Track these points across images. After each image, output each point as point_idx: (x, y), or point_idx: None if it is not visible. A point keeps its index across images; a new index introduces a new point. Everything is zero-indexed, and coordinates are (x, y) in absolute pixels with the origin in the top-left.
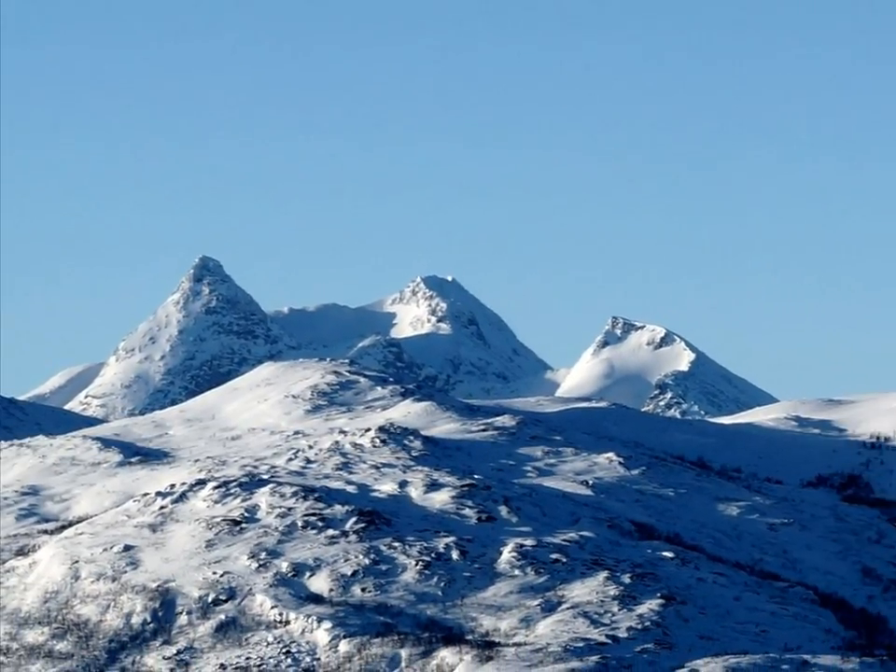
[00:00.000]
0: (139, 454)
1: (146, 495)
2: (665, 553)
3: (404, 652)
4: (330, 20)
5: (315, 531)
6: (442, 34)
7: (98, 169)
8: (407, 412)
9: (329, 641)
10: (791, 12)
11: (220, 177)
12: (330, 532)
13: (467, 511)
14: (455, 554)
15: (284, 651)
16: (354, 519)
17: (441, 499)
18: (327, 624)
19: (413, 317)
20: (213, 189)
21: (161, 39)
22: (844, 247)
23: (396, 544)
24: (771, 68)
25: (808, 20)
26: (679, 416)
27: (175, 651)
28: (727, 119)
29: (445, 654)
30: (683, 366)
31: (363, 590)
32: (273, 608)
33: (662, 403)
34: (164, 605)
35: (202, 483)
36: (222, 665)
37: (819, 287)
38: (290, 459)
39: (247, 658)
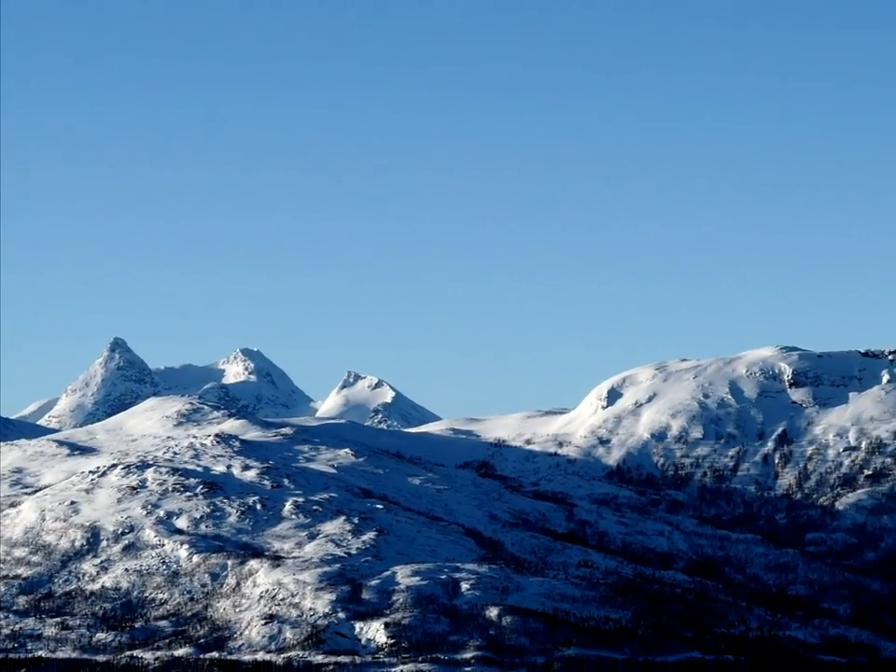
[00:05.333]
0: (79, 449)
1: (82, 472)
2: (378, 506)
3: (230, 562)
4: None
5: (178, 493)
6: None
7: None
8: (231, 425)
9: (187, 556)
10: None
11: (127, 277)
12: (187, 493)
13: (265, 482)
14: (258, 506)
15: (161, 561)
16: (200, 486)
17: (250, 475)
18: (186, 546)
19: (235, 372)
20: (122, 286)
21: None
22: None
23: (224, 500)
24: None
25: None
26: (386, 428)
27: (99, 561)
28: None
29: (252, 563)
30: (388, 399)
31: (206, 527)
32: (155, 536)
33: (376, 421)
34: (93, 535)
35: (114, 465)
36: (126, 569)
37: (465, 349)
38: (165, 452)
39: (140, 565)
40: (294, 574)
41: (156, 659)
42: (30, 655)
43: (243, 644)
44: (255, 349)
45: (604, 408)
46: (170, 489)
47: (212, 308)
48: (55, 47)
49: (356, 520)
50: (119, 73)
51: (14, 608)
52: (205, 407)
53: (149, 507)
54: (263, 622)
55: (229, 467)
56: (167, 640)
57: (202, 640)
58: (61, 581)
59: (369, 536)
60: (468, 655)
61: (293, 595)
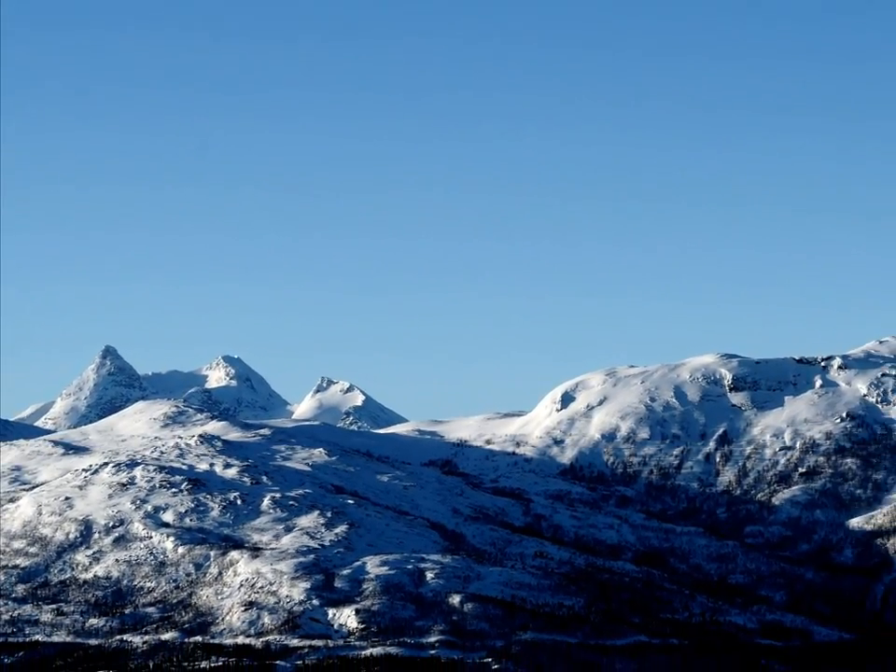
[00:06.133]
0: (73, 449)
1: (76, 470)
2: (349, 501)
3: (212, 553)
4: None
5: (165, 489)
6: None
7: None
8: (214, 427)
9: (173, 548)
10: None
11: (118, 290)
12: (173, 490)
13: (245, 479)
14: (238, 502)
15: (149, 552)
16: (185, 483)
17: (231, 473)
18: (172, 538)
19: (217, 377)
20: (113, 299)
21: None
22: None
23: (207, 496)
24: None
25: None
26: (356, 429)
27: (91, 552)
28: None
29: (233, 554)
30: (359, 402)
31: (190, 520)
32: (143, 529)
33: (348, 423)
34: (86, 528)
35: (105, 464)
36: (116, 559)
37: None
38: (152, 451)
39: (130, 556)
40: (272, 564)
41: (144, 643)
42: (27, 639)
43: (224, 629)
44: (235, 356)
45: (558, 411)
46: (157, 486)
47: (196, 318)
48: (56, 78)
49: (329, 514)
50: (114, 100)
51: (13, 595)
52: (190, 410)
53: (138, 502)
54: (243, 608)
55: (211, 465)
56: (154, 625)
57: (186, 625)
58: (56, 571)
59: (341, 529)
60: (432, 639)
61: (271, 584)
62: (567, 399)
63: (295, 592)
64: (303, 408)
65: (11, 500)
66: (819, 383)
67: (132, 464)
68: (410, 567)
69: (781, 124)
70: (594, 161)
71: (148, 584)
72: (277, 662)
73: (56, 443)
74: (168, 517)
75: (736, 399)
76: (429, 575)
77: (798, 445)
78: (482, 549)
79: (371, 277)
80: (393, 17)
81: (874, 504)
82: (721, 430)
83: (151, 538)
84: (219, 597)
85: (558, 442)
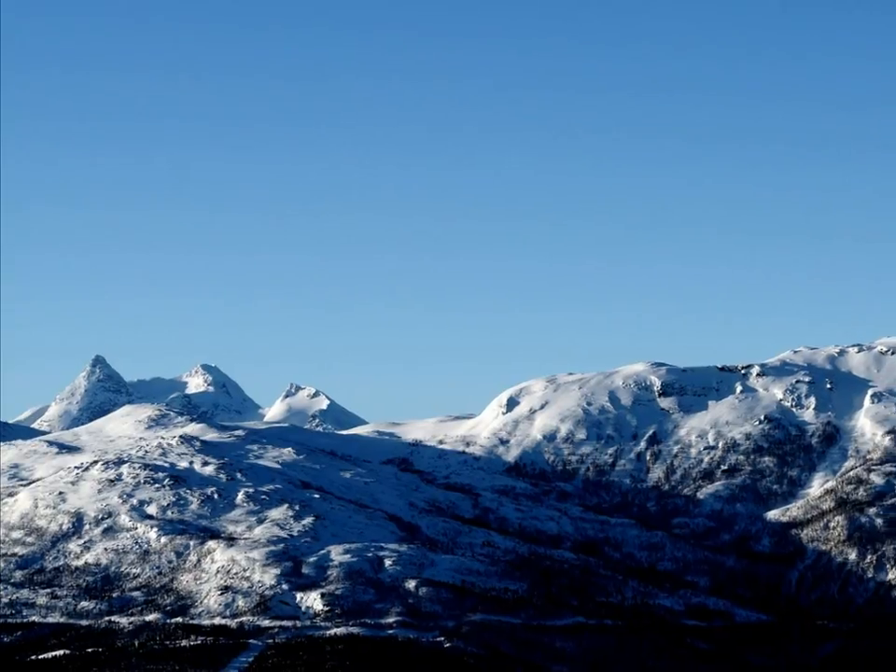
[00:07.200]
0: (66, 448)
1: (69, 467)
2: (315, 496)
3: (192, 543)
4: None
5: (149, 484)
6: None
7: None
8: (193, 428)
9: (156, 537)
10: None
11: (107, 304)
12: (157, 485)
13: (221, 475)
14: (215, 496)
15: (134, 541)
16: (167, 479)
17: (209, 470)
18: (155, 529)
19: (196, 384)
20: (103, 312)
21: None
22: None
23: (187, 491)
24: None
25: None
26: (322, 430)
27: (82, 542)
28: None
29: (211, 543)
30: (324, 406)
31: (172, 513)
32: (129, 521)
33: (314, 425)
34: (78, 520)
35: (95, 462)
36: (105, 548)
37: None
38: (137, 451)
39: (117, 545)
40: (245, 552)
41: (130, 623)
42: (25, 620)
43: (203, 611)
44: (213, 365)
45: (504, 414)
46: (142, 481)
47: (177, 330)
48: (48, 107)
49: (297, 507)
50: (102, 129)
51: (12, 580)
52: (171, 413)
53: (125, 496)
54: (220, 592)
55: (191, 463)
56: (139, 608)
57: (168, 608)
58: (51, 559)
59: (308, 520)
60: (390, 620)
61: (245, 570)
62: (511, 404)
63: (266, 577)
64: (274, 411)
65: (10, 495)
66: (739, 389)
67: (119, 462)
68: (370, 555)
69: (695, 151)
70: (523, 182)
71: (134, 571)
72: (250, 640)
73: (51, 443)
74: (152, 510)
75: (665, 403)
76: (388, 562)
77: (720, 445)
78: (435, 539)
79: (334, 294)
80: (375, 54)
81: (789, 498)
82: (650, 432)
83: (137, 528)
84: (198, 582)
85: (504, 443)
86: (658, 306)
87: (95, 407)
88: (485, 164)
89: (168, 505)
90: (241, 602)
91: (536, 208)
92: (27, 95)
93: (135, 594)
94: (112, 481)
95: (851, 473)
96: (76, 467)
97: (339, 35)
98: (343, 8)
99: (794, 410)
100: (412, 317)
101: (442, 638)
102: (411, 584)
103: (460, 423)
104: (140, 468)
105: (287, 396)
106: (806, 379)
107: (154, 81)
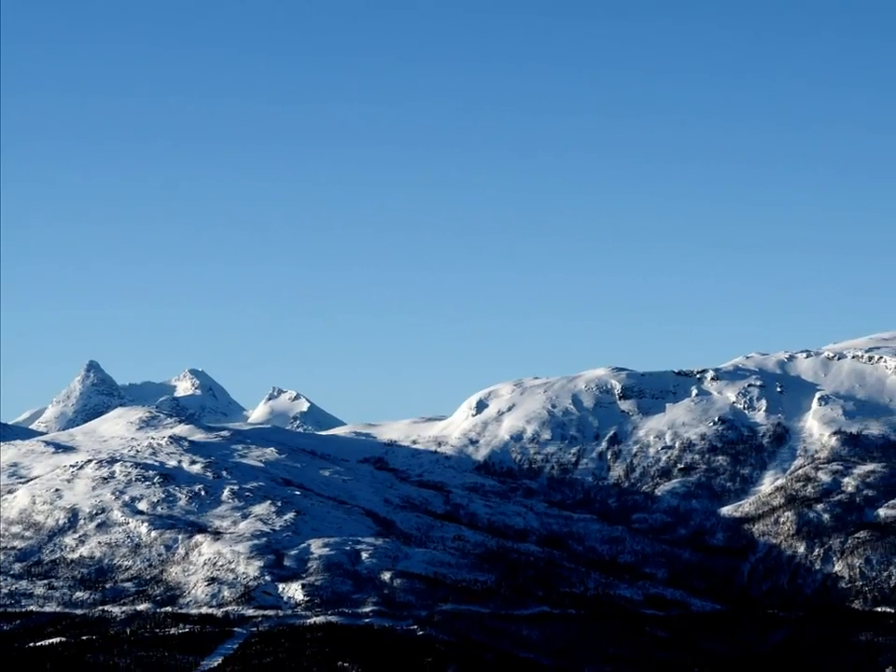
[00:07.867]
0: (62, 448)
1: (65, 466)
2: (296, 492)
3: (180, 537)
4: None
5: (140, 482)
6: None
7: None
8: (181, 429)
9: (147, 532)
10: None
11: (101, 312)
12: (147, 483)
13: (208, 473)
14: (203, 493)
15: (126, 536)
16: (157, 477)
17: (196, 468)
18: (146, 524)
19: (184, 387)
20: (97, 319)
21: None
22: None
23: (176, 488)
24: None
25: None
26: (303, 431)
27: (78, 536)
28: None
29: (198, 537)
30: (304, 409)
31: (161, 509)
32: (121, 516)
33: (295, 426)
34: (73, 515)
35: (89, 461)
36: (99, 542)
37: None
38: (129, 450)
39: (110, 539)
40: (231, 546)
41: (122, 612)
42: (23, 609)
43: (191, 600)
44: (200, 369)
45: (474, 416)
46: (133, 479)
47: (167, 337)
48: (47, 127)
49: (279, 503)
50: (97, 148)
51: (11, 572)
52: (161, 415)
53: (117, 493)
54: (206, 583)
55: (179, 462)
56: (131, 598)
57: (158, 598)
58: (48, 552)
59: (289, 516)
60: (367, 609)
61: (230, 563)
62: (481, 406)
63: (250, 569)
64: (257, 413)
65: (9, 492)
66: (694, 392)
67: (112, 461)
68: (348, 548)
69: (653, 169)
70: (493, 198)
71: (126, 563)
72: (235, 629)
73: (48, 443)
74: (143, 506)
75: (625, 405)
76: (364, 555)
77: (677, 445)
78: (409, 533)
79: (315, 303)
80: (355, 78)
81: (741, 495)
82: (611, 432)
83: (128, 523)
84: (186, 574)
85: (474, 443)
86: (619, 315)
87: (89, 409)
88: (457, 182)
89: (158, 501)
90: (226, 592)
91: (505, 223)
92: (27, 116)
93: (127, 584)
94: (105, 478)
95: (800, 472)
96: (71, 465)
97: (320, 61)
98: (325, 36)
99: (746, 412)
100: (388, 325)
101: (416, 627)
102: (386, 576)
103: (432, 424)
104: (132, 466)
105: (269, 399)
106: (758, 383)
107: (147, 104)
